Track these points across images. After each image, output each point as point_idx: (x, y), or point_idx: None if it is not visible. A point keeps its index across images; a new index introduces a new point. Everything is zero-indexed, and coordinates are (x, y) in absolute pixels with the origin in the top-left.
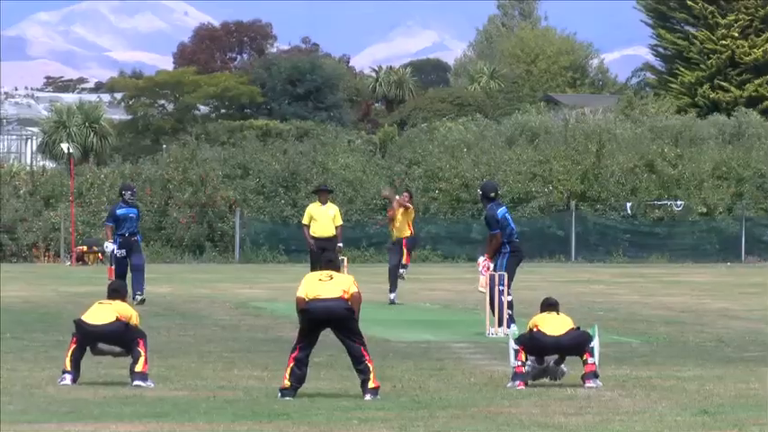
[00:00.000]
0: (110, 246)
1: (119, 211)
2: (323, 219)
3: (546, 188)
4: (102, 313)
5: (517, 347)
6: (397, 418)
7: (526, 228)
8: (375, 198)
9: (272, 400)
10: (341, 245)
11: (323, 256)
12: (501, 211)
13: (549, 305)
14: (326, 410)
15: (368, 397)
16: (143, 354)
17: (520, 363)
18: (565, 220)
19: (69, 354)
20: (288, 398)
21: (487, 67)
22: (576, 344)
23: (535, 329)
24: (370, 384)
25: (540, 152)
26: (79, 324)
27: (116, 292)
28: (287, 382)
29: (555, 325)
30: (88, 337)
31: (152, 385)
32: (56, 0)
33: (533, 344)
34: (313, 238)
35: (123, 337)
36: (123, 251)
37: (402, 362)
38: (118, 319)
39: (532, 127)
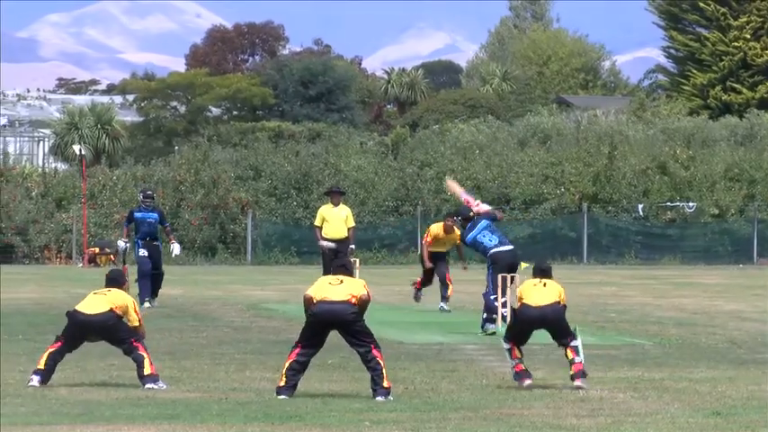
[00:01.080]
0: (122, 243)
1: (136, 214)
2: (335, 220)
3: (558, 190)
4: (96, 303)
5: (509, 346)
6: (409, 420)
7: (538, 230)
8: (387, 200)
9: (284, 401)
10: (353, 246)
11: (335, 261)
12: (471, 234)
13: (542, 271)
14: (339, 412)
15: (379, 398)
16: (146, 356)
17: (517, 360)
18: (577, 222)
19: (47, 353)
20: (283, 396)
21: (499, 68)
22: (559, 318)
23: (519, 305)
24: (384, 384)
25: (552, 154)
26: (72, 315)
27: (113, 281)
28: (282, 381)
29: (540, 295)
30: (78, 328)
31: (164, 387)
32: (66, 1)
33: (520, 319)
34: (325, 239)
35: (112, 331)
36: (145, 251)
37: (414, 363)
38: (111, 311)
39: (544, 129)
